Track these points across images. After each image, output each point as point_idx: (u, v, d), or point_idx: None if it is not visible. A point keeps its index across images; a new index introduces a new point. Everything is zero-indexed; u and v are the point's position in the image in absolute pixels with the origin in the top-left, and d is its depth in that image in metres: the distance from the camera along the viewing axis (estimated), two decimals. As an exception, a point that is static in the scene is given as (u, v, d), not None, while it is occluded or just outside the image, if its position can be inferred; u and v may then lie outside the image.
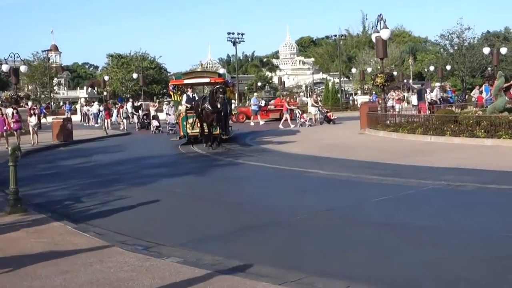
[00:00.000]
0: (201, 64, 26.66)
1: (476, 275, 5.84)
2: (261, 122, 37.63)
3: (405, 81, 77.67)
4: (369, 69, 64.34)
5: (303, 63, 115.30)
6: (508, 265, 6.05)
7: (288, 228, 8.38)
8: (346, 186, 12.05)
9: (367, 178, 12.42)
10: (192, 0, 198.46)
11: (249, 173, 14.60)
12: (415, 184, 11.34)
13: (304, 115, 33.83)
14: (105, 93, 74.72)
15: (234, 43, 54.23)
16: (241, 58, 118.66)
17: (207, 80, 24.32)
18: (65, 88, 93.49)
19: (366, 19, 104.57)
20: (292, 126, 31.75)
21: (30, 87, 70.64)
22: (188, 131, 22.12)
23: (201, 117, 20.24)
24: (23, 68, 36.97)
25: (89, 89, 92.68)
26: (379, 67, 72.00)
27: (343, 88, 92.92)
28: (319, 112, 34.36)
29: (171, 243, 7.67)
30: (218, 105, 19.19)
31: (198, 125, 21.26)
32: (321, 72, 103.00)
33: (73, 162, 18.50)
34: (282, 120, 33.53)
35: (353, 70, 76.88)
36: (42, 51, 66.75)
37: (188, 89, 23.17)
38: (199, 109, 20.07)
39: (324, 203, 10.12)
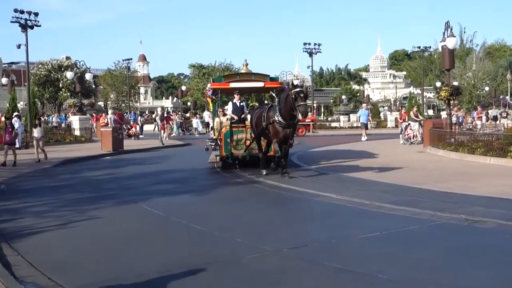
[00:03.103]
0: (246, 64, 19.64)
1: None
2: (365, 138, 32.39)
3: (500, 97, 73.10)
4: (455, 83, 60.52)
5: (394, 76, 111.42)
6: None
7: (226, 271, 6.74)
8: (342, 214, 10.26)
9: (376, 206, 10.54)
10: (281, 13, 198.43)
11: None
12: (427, 217, 9.37)
13: (408, 130, 28.40)
14: (189, 103, 75.20)
15: (310, 54, 52.42)
16: (334, 70, 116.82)
17: (259, 84, 18.03)
18: (151, 98, 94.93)
19: (464, 32, 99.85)
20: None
21: (111, 96, 72.03)
22: (233, 150, 17.10)
23: (267, 134, 15.47)
24: (88, 76, 36.99)
25: (175, 98, 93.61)
26: (472, 81, 68.77)
27: (435, 103, 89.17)
28: (420, 127, 27.68)
29: (71, 284, 6.28)
30: (299, 116, 14.45)
31: (247, 143, 17.02)
32: (412, 86, 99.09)
33: (93, 174, 17.52)
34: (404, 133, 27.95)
35: (438, 84, 72.93)
36: (123, 60, 67.69)
37: (236, 95, 17.89)
38: (264, 123, 15.18)
39: (300, 237, 8.39)
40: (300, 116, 14.48)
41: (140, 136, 38.77)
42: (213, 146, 26.16)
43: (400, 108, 68.45)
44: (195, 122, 46.28)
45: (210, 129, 30.06)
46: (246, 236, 8.44)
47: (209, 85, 19.70)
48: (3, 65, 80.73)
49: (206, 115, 39.02)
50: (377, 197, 11.42)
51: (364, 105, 39.00)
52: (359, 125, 36.60)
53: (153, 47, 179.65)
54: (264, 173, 15.49)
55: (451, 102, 24.21)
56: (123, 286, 6.29)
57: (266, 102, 21.25)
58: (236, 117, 17.36)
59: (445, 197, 11.44)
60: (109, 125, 39.69)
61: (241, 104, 17.96)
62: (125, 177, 16.63)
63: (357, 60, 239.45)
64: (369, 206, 10.61)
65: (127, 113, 52.27)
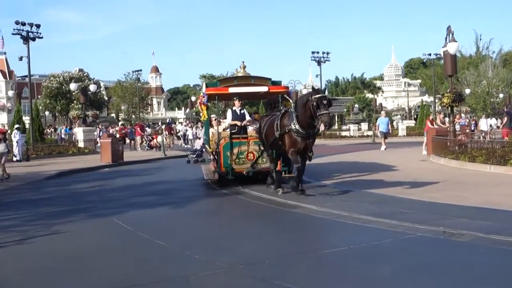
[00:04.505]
0: (243, 67, 17.02)
1: None
2: (383, 148, 30.20)
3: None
4: (467, 91, 59.67)
5: (409, 84, 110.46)
6: None
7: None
8: (315, 227, 9.78)
9: (354, 218, 9.97)
10: (295, 23, 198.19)
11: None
12: (402, 230, 8.79)
13: None
14: (201, 114, 74.88)
15: (319, 63, 51.88)
16: (349, 79, 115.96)
17: (262, 89, 15.88)
18: (164, 109, 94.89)
19: (480, 39, 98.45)
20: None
21: (122, 107, 72.01)
22: (234, 165, 15.03)
23: (279, 145, 13.34)
24: (92, 87, 36.84)
25: (187, 109, 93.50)
26: (487, 88, 67.51)
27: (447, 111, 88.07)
28: None
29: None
30: (322, 127, 12.14)
31: (249, 156, 15.14)
32: (427, 94, 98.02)
33: (80, 187, 17.14)
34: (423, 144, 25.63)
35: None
36: (133, 72, 67.60)
37: (236, 102, 15.97)
38: (277, 132, 13.07)
39: (262, 252, 7.84)
40: (322, 127, 12.15)
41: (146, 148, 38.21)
42: (194, 158, 25.46)
43: (427, 116, 67.59)
44: (190, 133, 44.82)
45: (191, 141, 28.94)
46: (206, 252, 7.93)
47: (203, 90, 16.89)
48: (17, 78, 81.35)
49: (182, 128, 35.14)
50: (356, 208, 10.87)
51: (383, 112, 37.98)
52: (378, 134, 35.12)
53: (168, 59, 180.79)
54: (280, 192, 13.24)
55: (455, 108, 23.51)
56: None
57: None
58: (239, 124, 15.23)
59: (430, 207, 10.83)
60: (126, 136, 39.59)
61: (242, 111, 15.76)
62: (110, 189, 16.24)
63: (373, 69, 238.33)
64: (346, 218, 10.05)
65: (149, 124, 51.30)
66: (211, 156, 17.00)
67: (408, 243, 8.06)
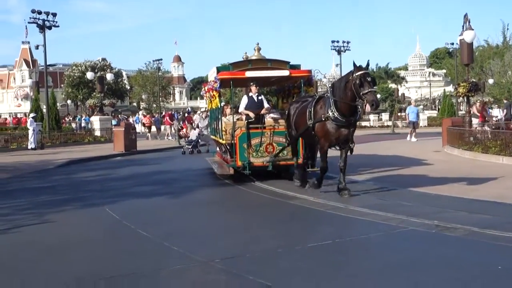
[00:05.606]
0: (258, 49, 15.54)
1: None
2: (412, 138, 29.09)
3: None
4: (490, 81, 58.45)
5: (433, 74, 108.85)
6: None
7: (133, 285, 6.03)
8: (307, 219, 9.41)
9: (349, 210, 9.65)
10: (319, 12, 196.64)
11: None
12: (396, 223, 8.45)
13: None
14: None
15: (339, 52, 51.22)
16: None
17: (283, 73, 14.24)
18: (186, 98, 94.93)
19: (507, 29, 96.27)
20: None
21: (143, 97, 72.16)
22: (252, 159, 13.58)
23: (313, 136, 11.68)
24: (109, 76, 36.83)
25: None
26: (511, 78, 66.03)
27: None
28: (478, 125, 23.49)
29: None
30: (368, 108, 10.81)
31: (268, 148, 13.61)
32: (451, 85, 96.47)
33: (85, 175, 17.01)
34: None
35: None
36: (153, 61, 67.56)
37: (252, 87, 14.10)
38: (310, 121, 11.50)
39: (245, 245, 7.53)
40: (368, 108, 10.83)
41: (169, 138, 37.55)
42: (190, 149, 24.77)
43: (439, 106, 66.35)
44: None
45: (189, 130, 27.83)
46: (187, 244, 7.66)
47: (214, 75, 15.12)
48: (40, 67, 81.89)
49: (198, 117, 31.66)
50: (355, 200, 10.52)
51: (413, 101, 36.90)
52: (408, 123, 33.90)
53: (192, 49, 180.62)
54: (304, 186, 12.17)
55: (471, 98, 22.90)
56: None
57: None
58: (252, 115, 13.66)
59: (431, 200, 10.45)
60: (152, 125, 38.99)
61: (260, 98, 14.09)
62: (113, 179, 16.10)
63: (399, 59, 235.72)
64: (341, 210, 9.73)
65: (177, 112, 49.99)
66: (218, 148, 16.40)
67: (397, 238, 7.72)
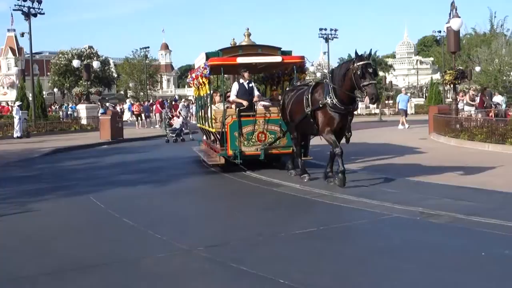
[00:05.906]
0: (248, 34, 15.69)
1: None
2: (405, 126, 29.00)
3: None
4: (477, 68, 58.68)
5: (421, 62, 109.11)
6: None
7: (114, 274, 5.99)
8: (292, 206, 9.39)
9: (334, 198, 9.64)
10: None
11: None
12: (380, 210, 8.44)
13: None
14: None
15: (327, 40, 51.16)
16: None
17: (275, 59, 13.81)
18: (173, 86, 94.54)
19: (495, 17, 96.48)
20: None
21: (130, 85, 71.81)
22: (243, 148, 13.21)
23: (310, 124, 11.23)
24: (95, 64, 36.55)
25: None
26: (500, 66, 66.34)
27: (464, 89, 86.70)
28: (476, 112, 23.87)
29: None
30: (367, 101, 10.58)
31: (259, 137, 13.28)
32: (439, 72, 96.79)
33: (70, 164, 16.96)
34: None
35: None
36: (141, 49, 67.22)
37: (244, 74, 13.52)
38: (307, 109, 11.07)
39: (228, 233, 7.55)
40: (367, 101, 10.47)
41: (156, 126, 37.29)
42: (174, 138, 24.59)
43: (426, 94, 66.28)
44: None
45: (173, 118, 27.36)
46: (171, 232, 7.64)
47: (202, 61, 14.50)
48: (26, 55, 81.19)
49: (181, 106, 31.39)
50: (338, 187, 10.44)
51: (403, 89, 36.94)
52: (398, 111, 33.74)
53: (179, 37, 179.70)
54: (306, 178, 11.56)
55: (457, 86, 22.95)
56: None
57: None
58: (244, 103, 13.17)
59: (416, 187, 10.45)
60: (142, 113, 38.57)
61: (250, 85, 13.63)
62: (99, 167, 16.01)
63: (387, 47, 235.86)
64: (326, 198, 9.72)
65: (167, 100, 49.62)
66: (205, 137, 16.20)
67: (381, 225, 7.72)
